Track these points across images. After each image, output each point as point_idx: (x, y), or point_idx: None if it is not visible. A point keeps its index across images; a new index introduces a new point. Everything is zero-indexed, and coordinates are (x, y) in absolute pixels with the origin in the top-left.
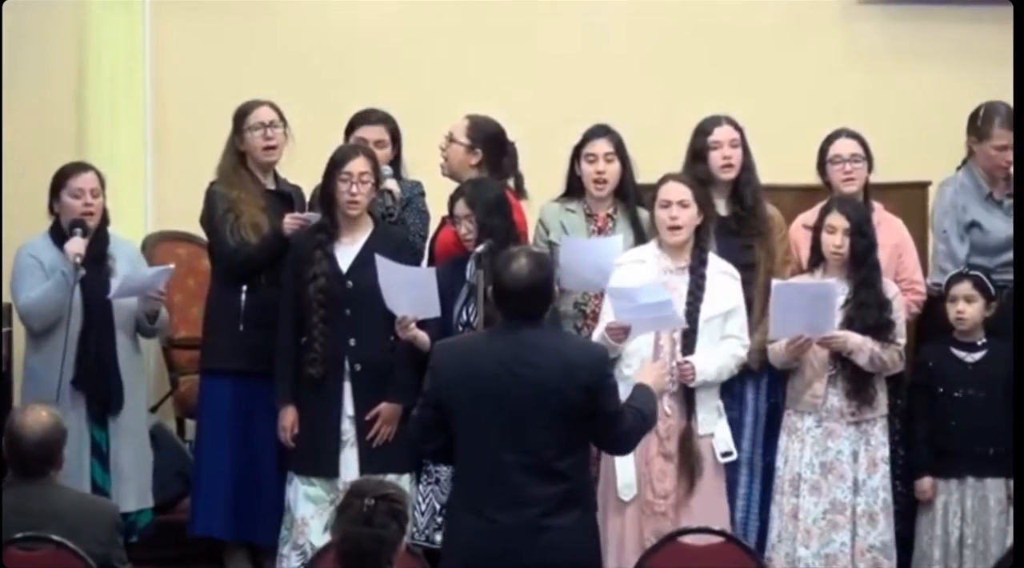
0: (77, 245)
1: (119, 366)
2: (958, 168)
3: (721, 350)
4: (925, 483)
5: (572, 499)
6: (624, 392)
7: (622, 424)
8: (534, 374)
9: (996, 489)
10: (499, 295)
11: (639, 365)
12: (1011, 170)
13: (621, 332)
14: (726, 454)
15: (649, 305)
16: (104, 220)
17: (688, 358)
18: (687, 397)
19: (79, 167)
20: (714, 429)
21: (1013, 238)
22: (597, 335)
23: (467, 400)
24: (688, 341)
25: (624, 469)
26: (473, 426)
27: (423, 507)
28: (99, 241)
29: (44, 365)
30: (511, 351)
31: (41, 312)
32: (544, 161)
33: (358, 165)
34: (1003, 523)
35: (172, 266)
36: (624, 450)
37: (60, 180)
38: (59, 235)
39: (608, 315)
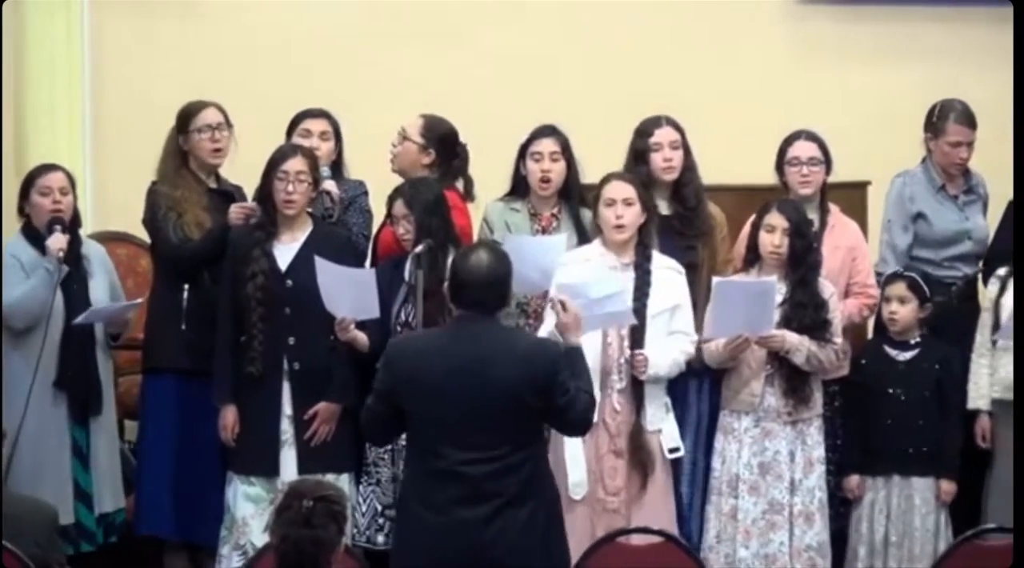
0: (59, 241)
1: (99, 367)
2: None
3: (670, 345)
4: (852, 481)
5: (526, 493)
6: None
7: (572, 411)
8: (488, 370)
9: (923, 488)
10: (455, 287)
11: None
12: (979, 167)
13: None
14: (673, 450)
15: (602, 299)
16: (76, 221)
17: (640, 350)
18: (636, 393)
19: (48, 167)
20: (662, 425)
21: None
22: (544, 333)
23: (421, 397)
24: (636, 337)
25: (575, 467)
26: (427, 423)
27: (364, 508)
28: (74, 241)
29: (23, 364)
30: (465, 347)
31: (26, 309)
32: (490, 163)
33: (295, 164)
34: (929, 523)
35: (140, 301)
36: (582, 431)
37: (29, 180)
38: (32, 234)
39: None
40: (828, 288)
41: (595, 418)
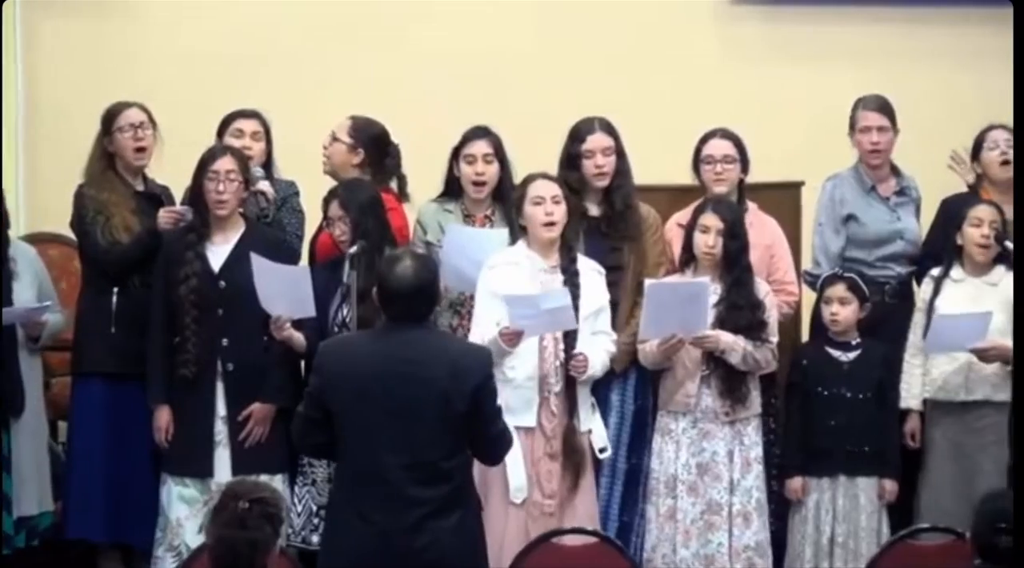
0: None
1: (20, 368)
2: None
3: (598, 346)
4: (795, 483)
5: (455, 500)
6: (506, 395)
7: (496, 427)
8: (419, 375)
9: (868, 488)
10: (384, 297)
11: (523, 368)
12: (901, 163)
13: (515, 337)
14: (602, 450)
15: (550, 310)
16: (3, 223)
17: (580, 351)
18: (569, 395)
19: None
20: (591, 425)
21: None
22: (478, 337)
23: (351, 400)
24: (570, 340)
25: (515, 472)
26: (356, 426)
27: (299, 508)
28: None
29: None
30: (396, 351)
31: None
32: (425, 163)
33: (224, 163)
34: (874, 522)
35: (49, 303)
36: (496, 459)
37: None
38: None
39: (483, 315)
40: (763, 288)
41: (532, 422)
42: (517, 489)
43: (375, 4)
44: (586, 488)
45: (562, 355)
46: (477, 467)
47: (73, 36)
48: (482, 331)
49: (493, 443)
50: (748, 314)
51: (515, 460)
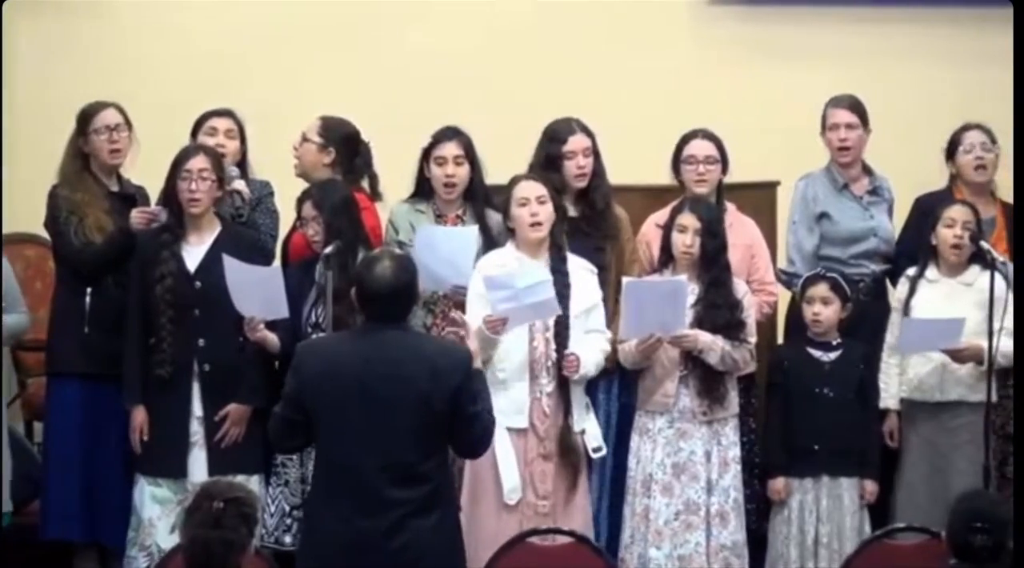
0: None
1: None
2: None
3: (591, 344)
4: (778, 483)
5: (434, 501)
6: (497, 396)
7: (479, 424)
8: (398, 376)
9: (851, 488)
10: (362, 298)
11: (513, 369)
12: (864, 159)
13: (500, 323)
14: (597, 450)
15: (527, 288)
16: None
17: (572, 350)
18: (563, 395)
19: None
20: (585, 425)
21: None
22: (472, 334)
23: (329, 401)
24: (561, 338)
25: (508, 472)
26: (335, 427)
27: (272, 509)
28: None
29: None
30: (374, 352)
31: None
32: (396, 162)
33: (197, 162)
34: (857, 521)
35: None
36: (478, 454)
37: None
38: None
39: (475, 309)
40: (742, 287)
41: (524, 423)
42: (511, 491)
43: (347, 5)
44: (583, 488)
45: (554, 355)
46: (469, 469)
47: (48, 36)
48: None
49: (475, 442)
50: (726, 314)
51: (508, 462)
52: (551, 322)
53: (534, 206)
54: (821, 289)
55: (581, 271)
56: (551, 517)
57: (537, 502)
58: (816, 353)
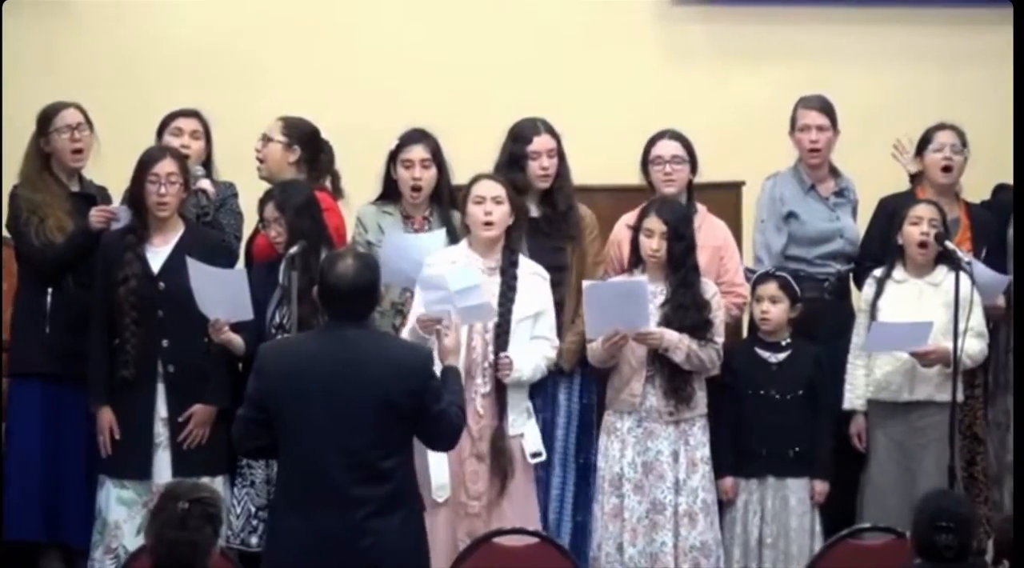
0: None
1: None
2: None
3: (533, 350)
4: (727, 483)
5: (397, 499)
6: None
7: (445, 421)
8: (359, 375)
9: (797, 489)
10: (324, 295)
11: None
12: (835, 161)
13: (432, 323)
14: (535, 455)
15: (460, 293)
16: None
17: (505, 353)
18: (499, 398)
19: None
20: (524, 429)
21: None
22: (407, 332)
23: (292, 401)
24: (500, 342)
25: (438, 470)
26: (298, 427)
27: (238, 510)
28: None
29: None
30: (336, 352)
31: None
32: (361, 161)
33: (165, 166)
34: (806, 523)
35: None
36: (449, 446)
37: None
38: None
39: (418, 309)
40: (711, 288)
41: None
42: (439, 488)
43: (311, 4)
44: (516, 491)
45: (491, 357)
46: None
47: (8, 35)
48: (412, 323)
49: (443, 437)
50: (694, 314)
51: (439, 459)
52: (490, 324)
53: (489, 205)
54: (770, 288)
55: (532, 276)
56: (481, 518)
57: (468, 502)
58: (764, 354)
